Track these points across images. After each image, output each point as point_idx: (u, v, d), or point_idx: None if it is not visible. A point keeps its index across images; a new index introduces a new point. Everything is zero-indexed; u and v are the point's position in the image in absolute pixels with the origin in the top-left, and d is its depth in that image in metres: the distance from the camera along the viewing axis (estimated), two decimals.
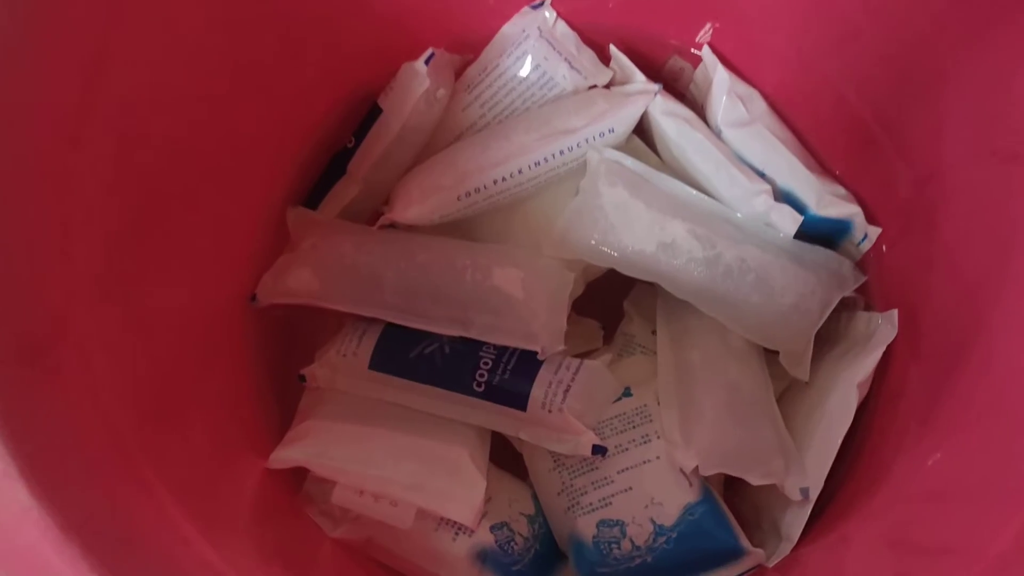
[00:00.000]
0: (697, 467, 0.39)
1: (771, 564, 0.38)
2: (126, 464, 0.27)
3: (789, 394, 0.44)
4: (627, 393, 0.42)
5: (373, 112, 0.45)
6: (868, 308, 0.44)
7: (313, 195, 0.47)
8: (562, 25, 0.46)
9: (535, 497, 0.42)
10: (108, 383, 0.29)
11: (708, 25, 0.46)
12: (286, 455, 0.39)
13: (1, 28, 0.26)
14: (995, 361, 0.33)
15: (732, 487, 0.43)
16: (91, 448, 0.26)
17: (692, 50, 0.47)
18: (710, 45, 0.46)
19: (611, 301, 0.48)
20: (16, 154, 0.27)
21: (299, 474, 0.40)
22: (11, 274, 0.26)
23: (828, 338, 0.44)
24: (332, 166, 0.46)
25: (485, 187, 0.44)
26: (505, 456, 0.43)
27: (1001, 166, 0.34)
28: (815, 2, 0.41)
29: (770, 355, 0.44)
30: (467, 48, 0.48)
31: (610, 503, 0.40)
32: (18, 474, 0.20)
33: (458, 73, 0.48)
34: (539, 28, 0.46)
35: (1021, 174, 0.33)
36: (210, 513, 0.31)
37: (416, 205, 0.44)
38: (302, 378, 0.43)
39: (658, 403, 0.42)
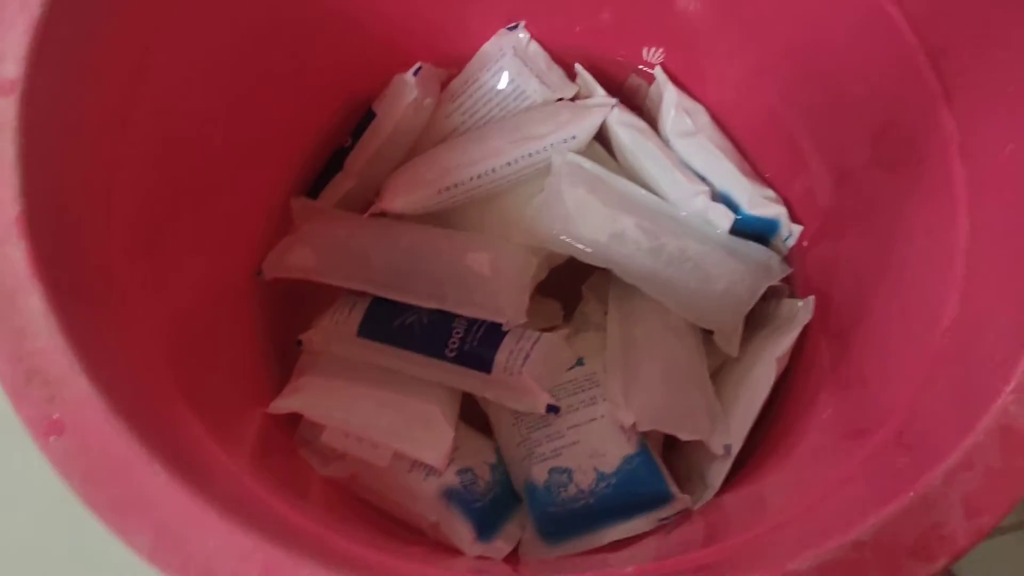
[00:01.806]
0: (635, 423, 0.45)
1: (695, 508, 0.45)
2: (159, 384, 0.34)
3: (723, 370, 0.51)
4: (580, 362, 0.49)
5: (368, 116, 0.52)
6: (792, 296, 0.51)
7: (314, 187, 0.53)
8: (534, 45, 0.53)
9: (497, 450, 0.49)
10: (143, 327, 0.36)
11: (660, 50, 0.53)
12: (285, 403, 0.45)
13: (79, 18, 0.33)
14: (874, 336, 0.40)
15: (669, 447, 0.49)
16: (134, 365, 0.32)
17: (647, 70, 0.54)
18: (662, 66, 0.53)
19: (572, 286, 0.54)
20: (74, 130, 0.33)
21: (294, 421, 0.46)
22: (69, 229, 0.33)
23: (758, 322, 0.51)
24: (332, 162, 0.53)
25: (463, 182, 0.50)
26: (474, 417, 0.50)
27: (884, 174, 0.41)
28: (748, 32, 0.47)
29: (707, 336, 0.51)
30: (452, 63, 0.55)
31: (560, 453, 0.46)
32: (82, 371, 0.27)
33: (444, 85, 0.55)
34: (514, 47, 0.53)
35: (896, 181, 0.40)
36: (225, 440, 0.37)
37: (402, 196, 0.50)
38: (299, 343, 0.50)
39: (605, 371, 0.48)
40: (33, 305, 0.28)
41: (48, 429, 0.27)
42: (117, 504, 0.26)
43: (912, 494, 0.26)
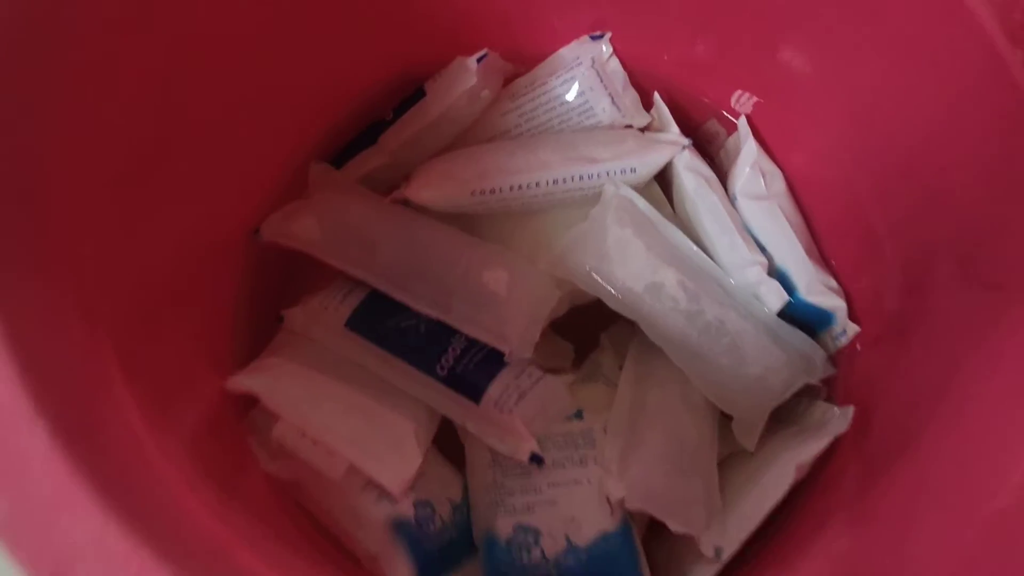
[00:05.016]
0: (623, 498, 0.40)
1: None
2: (98, 359, 0.29)
3: (733, 460, 0.45)
4: (578, 415, 0.44)
5: (416, 94, 0.47)
6: (829, 399, 0.45)
7: (341, 156, 0.49)
8: (615, 62, 0.48)
9: (466, 489, 0.44)
10: (96, 280, 0.31)
11: (752, 98, 0.48)
12: (245, 381, 0.40)
13: None
14: (914, 477, 0.34)
15: (655, 533, 0.44)
16: (71, 336, 0.28)
17: (730, 117, 0.49)
18: (748, 118, 0.48)
19: (591, 331, 0.49)
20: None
21: (251, 403, 0.41)
22: (36, 129, 0.28)
23: (784, 419, 0.45)
24: (365, 134, 0.49)
25: (500, 189, 0.46)
26: (451, 447, 0.44)
27: (981, 293, 0.35)
28: (852, 100, 0.42)
29: (723, 420, 0.45)
30: (522, 60, 0.50)
31: (532, 510, 0.41)
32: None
33: (507, 81, 0.50)
34: (593, 58, 0.48)
35: (995, 303, 0.34)
36: (161, 418, 0.32)
37: (431, 188, 0.46)
38: (281, 319, 0.45)
39: (605, 432, 0.43)
40: None
41: None
42: None
43: None
